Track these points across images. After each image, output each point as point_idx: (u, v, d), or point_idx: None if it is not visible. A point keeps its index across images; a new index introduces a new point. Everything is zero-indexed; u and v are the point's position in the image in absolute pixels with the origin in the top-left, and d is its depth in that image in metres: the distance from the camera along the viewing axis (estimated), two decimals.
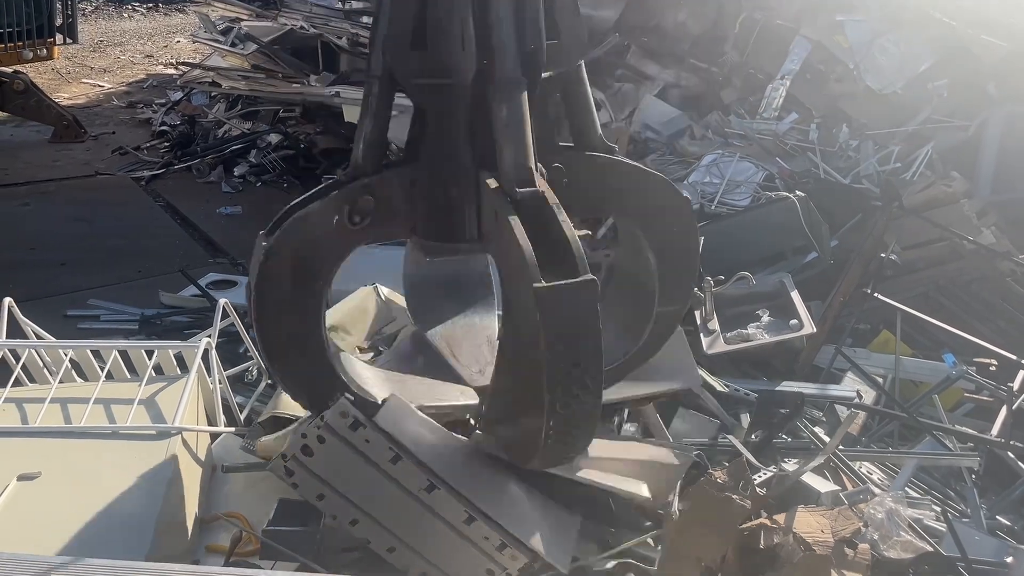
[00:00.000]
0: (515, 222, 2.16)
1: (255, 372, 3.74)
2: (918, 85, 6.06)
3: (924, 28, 6.06)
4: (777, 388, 3.82)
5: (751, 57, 6.89)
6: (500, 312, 2.96)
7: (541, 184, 2.27)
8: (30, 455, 2.85)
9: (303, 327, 2.51)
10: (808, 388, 3.84)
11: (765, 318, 4.05)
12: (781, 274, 4.46)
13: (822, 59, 6.44)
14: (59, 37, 7.80)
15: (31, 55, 8.16)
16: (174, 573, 1.89)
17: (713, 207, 5.22)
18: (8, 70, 8.54)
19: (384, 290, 3.85)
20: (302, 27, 8.39)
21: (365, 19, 8.16)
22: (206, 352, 3.23)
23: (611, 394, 2.63)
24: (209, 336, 3.43)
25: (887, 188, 5.15)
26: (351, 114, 7.74)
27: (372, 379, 2.82)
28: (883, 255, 4.56)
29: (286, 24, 8.59)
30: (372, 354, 3.62)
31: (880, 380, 4.00)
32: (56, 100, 9.60)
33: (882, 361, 4.13)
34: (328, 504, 2.47)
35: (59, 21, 7.78)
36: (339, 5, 8.39)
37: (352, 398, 2.46)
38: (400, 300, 3.69)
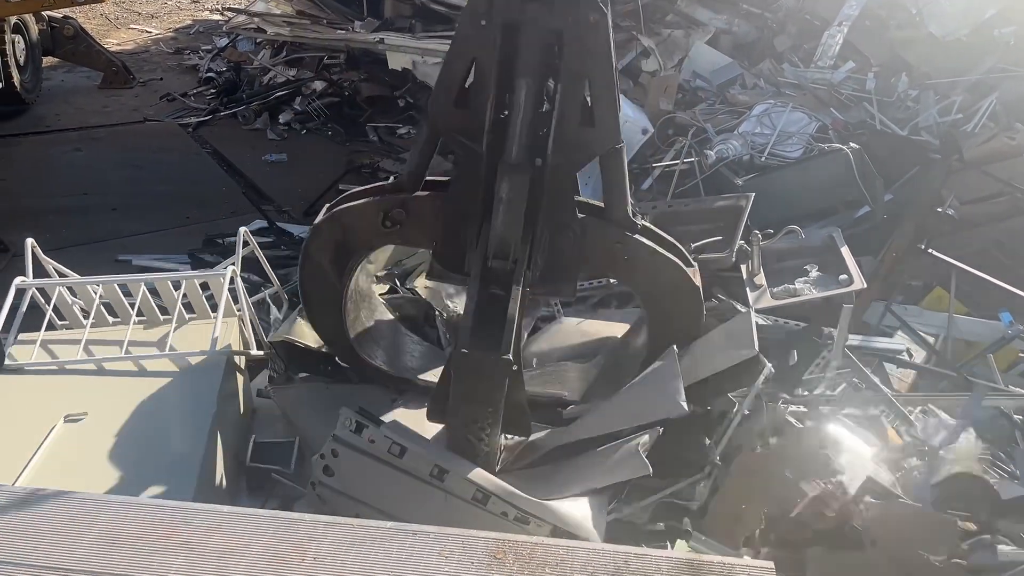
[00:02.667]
0: (475, 287, 2.63)
1: (278, 303, 3.89)
2: (983, 32, 5.78)
3: None
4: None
5: (807, 3, 6.63)
6: None
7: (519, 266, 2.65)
8: (74, 394, 2.93)
9: (331, 293, 3.12)
10: (855, 339, 3.76)
11: (813, 273, 3.95)
12: (831, 228, 4.34)
13: (883, 4, 6.17)
14: None
15: None
16: (220, 514, 1.92)
17: (763, 159, 5.08)
18: (58, 15, 8.61)
19: None
20: None
21: None
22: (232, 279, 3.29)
23: (596, 429, 2.87)
24: (233, 264, 3.46)
25: (947, 140, 4.95)
26: (395, 61, 7.67)
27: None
28: (940, 210, 4.41)
29: None
30: (387, 287, 3.86)
31: (932, 339, 3.90)
32: (105, 46, 9.68)
33: (935, 319, 4.02)
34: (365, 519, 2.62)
35: None
36: None
37: (358, 410, 2.71)
38: None
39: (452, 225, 2.87)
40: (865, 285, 3.84)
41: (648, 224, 2.96)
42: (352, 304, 3.22)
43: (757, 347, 2.81)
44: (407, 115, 7.78)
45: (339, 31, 8.20)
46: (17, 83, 7.87)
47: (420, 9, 7.91)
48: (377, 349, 3.33)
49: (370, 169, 6.97)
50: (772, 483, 2.43)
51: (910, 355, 3.80)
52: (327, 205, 3.04)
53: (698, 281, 3.01)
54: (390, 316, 3.59)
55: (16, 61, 7.86)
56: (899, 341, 3.88)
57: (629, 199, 2.88)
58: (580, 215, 2.84)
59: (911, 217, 4.25)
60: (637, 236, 2.89)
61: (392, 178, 3.05)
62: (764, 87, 6.14)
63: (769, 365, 2.96)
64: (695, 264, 3.06)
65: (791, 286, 3.87)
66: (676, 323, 3.03)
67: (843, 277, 3.87)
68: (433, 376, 2.98)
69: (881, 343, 3.80)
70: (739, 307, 3.64)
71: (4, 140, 7.60)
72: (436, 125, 2.76)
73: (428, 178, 2.93)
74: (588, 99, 2.64)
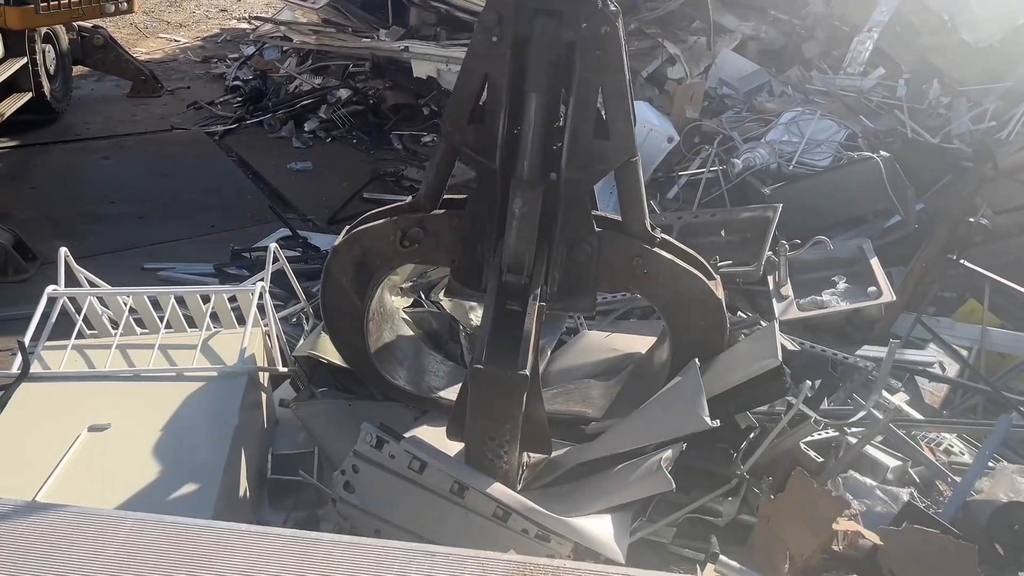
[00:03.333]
0: (492, 300, 2.63)
1: (306, 316, 3.89)
2: (1016, 38, 5.67)
3: None
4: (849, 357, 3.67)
5: (836, 8, 6.55)
6: None
7: (534, 281, 2.64)
8: (99, 403, 2.93)
9: (352, 312, 3.13)
10: (884, 353, 3.68)
11: (841, 284, 3.88)
12: (860, 239, 4.26)
13: (914, 10, 6.07)
14: None
15: (112, 9, 8.29)
16: (239, 533, 1.91)
17: (791, 167, 5.00)
18: (88, 25, 8.72)
19: None
20: None
21: None
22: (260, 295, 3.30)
23: (617, 446, 2.84)
24: (262, 280, 3.47)
25: (980, 148, 4.85)
26: (420, 69, 7.68)
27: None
28: (972, 219, 4.31)
29: None
30: (411, 300, 3.86)
31: (964, 352, 3.81)
32: (134, 55, 9.79)
33: (967, 332, 3.93)
34: (385, 536, 2.58)
35: None
36: None
37: (379, 425, 2.70)
38: None
39: (469, 242, 2.88)
40: (895, 297, 3.76)
41: (667, 237, 2.92)
42: (374, 324, 3.21)
43: (780, 357, 2.75)
44: (432, 123, 7.79)
45: (364, 39, 8.24)
46: (47, 92, 7.97)
47: (444, 17, 7.92)
48: (400, 368, 3.31)
49: (394, 177, 6.98)
50: (824, 507, 2.35)
51: (942, 368, 3.72)
52: (347, 227, 3.07)
53: (720, 294, 2.95)
54: (412, 334, 3.58)
55: (47, 71, 7.96)
56: (930, 353, 3.80)
57: (647, 212, 2.84)
58: (597, 229, 2.81)
59: (943, 227, 4.16)
60: (656, 249, 2.85)
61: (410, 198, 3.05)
62: (792, 94, 6.07)
63: (809, 383, 2.92)
64: (717, 276, 3.00)
65: (818, 297, 3.80)
66: (699, 337, 2.97)
67: (872, 289, 3.80)
68: (455, 394, 2.95)
69: (912, 355, 3.72)
70: (763, 322, 3.58)
71: (34, 149, 7.70)
72: (451, 142, 2.75)
73: (445, 196, 2.92)
74: (602, 112, 2.61)
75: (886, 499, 2.74)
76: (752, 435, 2.92)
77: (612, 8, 2.48)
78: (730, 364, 2.93)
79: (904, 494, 2.74)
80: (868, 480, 2.85)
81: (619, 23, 2.48)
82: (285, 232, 5.66)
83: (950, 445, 3.21)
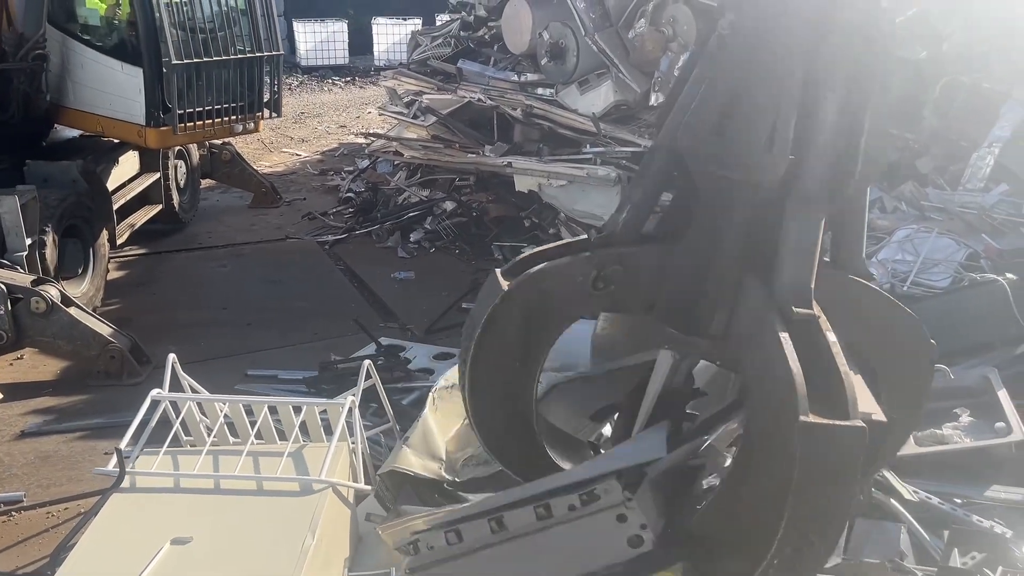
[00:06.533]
0: (786, 339, 2.02)
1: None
2: None
3: None
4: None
5: (953, 122, 6.32)
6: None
7: (817, 310, 2.12)
8: (185, 512, 2.97)
9: (518, 376, 2.46)
10: (1019, 494, 3.34)
11: (964, 418, 3.58)
12: (986, 368, 3.94)
13: None
14: (265, 112, 8.48)
15: (240, 128, 8.87)
16: None
17: (906, 288, 4.74)
18: (219, 142, 9.37)
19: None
20: (479, 99, 8.65)
21: (540, 90, 8.28)
22: (350, 411, 3.29)
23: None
24: (353, 395, 3.48)
25: None
26: (522, 183, 7.84)
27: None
28: None
29: (464, 97, 8.88)
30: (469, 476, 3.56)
31: None
32: (257, 168, 10.43)
33: None
34: None
35: (266, 97, 8.46)
36: (515, 78, 8.57)
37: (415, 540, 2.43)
38: None
39: (690, 280, 2.33)
40: None
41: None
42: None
43: None
44: (532, 234, 7.88)
45: (470, 155, 8.50)
46: (176, 204, 8.53)
47: (547, 134, 8.10)
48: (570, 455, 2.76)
49: None
50: None
51: None
52: (511, 263, 2.48)
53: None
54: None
55: (177, 184, 8.55)
56: None
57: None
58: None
59: None
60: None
61: (593, 232, 2.48)
62: (906, 211, 5.83)
63: None
64: None
65: (938, 431, 3.50)
66: (907, 387, 2.48)
67: (1000, 425, 3.47)
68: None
69: None
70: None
71: (159, 256, 8.21)
72: (684, 154, 2.26)
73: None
74: None
75: None
76: None
77: None
78: None
79: None
80: None
81: None
82: (385, 340, 5.72)
83: None
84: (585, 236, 2.44)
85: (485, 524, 2.31)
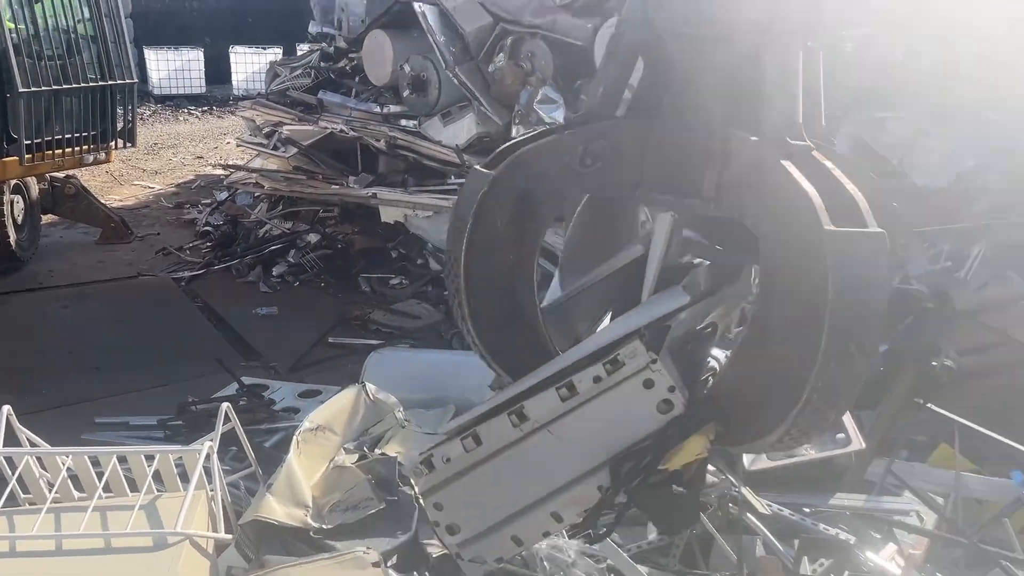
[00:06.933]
0: (790, 166, 2.00)
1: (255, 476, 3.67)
2: (965, 180, 5.85)
3: (972, 125, 5.89)
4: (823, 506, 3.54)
5: None
6: None
7: (809, 142, 2.11)
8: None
9: (514, 268, 2.37)
10: (860, 501, 3.57)
11: None
12: None
13: (865, 156, 6.28)
14: (119, 141, 8.06)
15: (91, 159, 8.38)
16: None
17: None
18: (61, 175, 8.83)
19: (372, 388, 3.77)
20: (342, 130, 8.55)
21: (403, 122, 8.29)
22: (208, 457, 3.12)
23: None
24: (211, 440, 3.33)
25: (936, 289, 4.89)
26: (388, 214, 7.80)
27: None
28: (935, 363, 4.28)
29: (326, 127, 8.76)
30: (357, 456, 3.56)
31: (941, 500, 3.69)
32: (107, 202, 9.90)
33: (942, 477, 3.82)
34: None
35: (119, 126, 8.05)
36: (378, 110, 8.55)
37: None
38: (388, 399, 3.72)
39: (676, 147, 2.25)
40: (864, 445, 3.66)
41: None
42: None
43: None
44: (399, 265, 7.84)
45: (334, 186, 8.39)
46: (13, 242, 7.96)
47: (412, 165, 8.11)
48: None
49: (360, 320, 6.94)
50: None
51: (920, 518, 3.58)
52: (492, 155, 2.35)
53: None
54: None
55: (14, 220, 7.98)
56: (907, 500, 3.67)
57: None
58: None
59: (908, 369, 4.12)
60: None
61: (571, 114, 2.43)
62: None
63: None
64: None
65: None
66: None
67: (840, 436, 3.70)
68: None
69: (889, 504, 3.59)
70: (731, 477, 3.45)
71: None
72: (654, 19, 2.20)
73: None
74: None
75: None
76: None
77: None
78: None
79: None
80: None
81: None
82: (247, 379, 5.51)
83: None
84: (560, 122, 2.30)
85: (506, 420, 2.15)
